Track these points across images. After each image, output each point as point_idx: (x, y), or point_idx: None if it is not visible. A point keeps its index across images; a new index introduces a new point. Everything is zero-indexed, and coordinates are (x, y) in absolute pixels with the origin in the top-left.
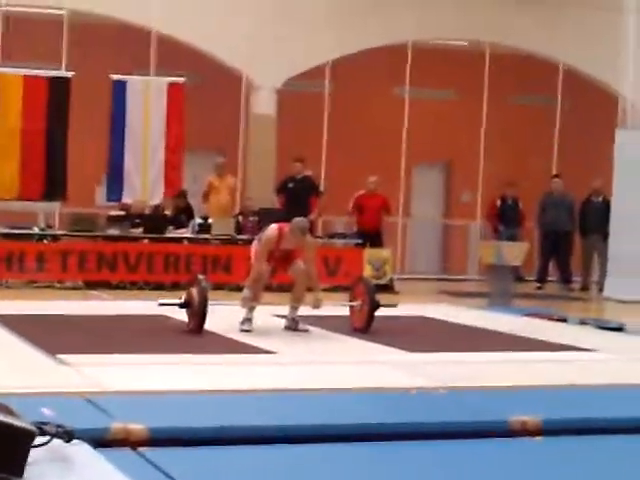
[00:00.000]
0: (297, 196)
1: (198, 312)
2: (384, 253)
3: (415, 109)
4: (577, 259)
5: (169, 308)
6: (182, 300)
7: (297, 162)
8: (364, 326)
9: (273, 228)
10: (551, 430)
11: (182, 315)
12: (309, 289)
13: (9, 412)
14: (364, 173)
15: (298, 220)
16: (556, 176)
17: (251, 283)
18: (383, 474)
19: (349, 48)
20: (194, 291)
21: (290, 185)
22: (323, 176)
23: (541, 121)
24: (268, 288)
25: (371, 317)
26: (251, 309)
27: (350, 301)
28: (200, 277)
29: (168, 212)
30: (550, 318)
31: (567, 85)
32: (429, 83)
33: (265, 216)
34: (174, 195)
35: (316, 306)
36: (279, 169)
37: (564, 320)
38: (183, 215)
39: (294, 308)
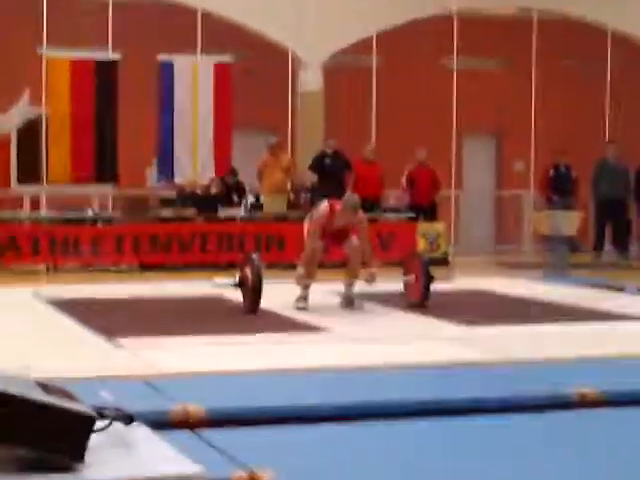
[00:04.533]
0: (333, 172)
1: (253, 291)
2: (438, 226)
3: (464, 79)
4: (633, 227)
5: (224, 288)
6: (236, 279)
7: (332, 138)
8: (420, 300)
9: (325, 206)
10: (610, 401)
11: (237, 295)
12: (364, 264)
13: (68, 397)
14: (415, 146)
15: (350, 196)
16: (610, 142)
17: (305, 261)
18: (445, 450)
19: (395, 19)
20: (248, 270)
21: (327, 161)
22: (374, 151)
23: (592, 87)
24: (322, 265)
25: (427, 291)
26: (306, 287)
27: (404, 275)
28: (253, 256)
29: (216, 191)
30: (607, 287)
31: (617, 50)
32: (477, 52)
33: (317, 192)
34: (224, 173)
35: (370, 281)
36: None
37: (622, 289)
38: (235, 194)
39: (349, 285)
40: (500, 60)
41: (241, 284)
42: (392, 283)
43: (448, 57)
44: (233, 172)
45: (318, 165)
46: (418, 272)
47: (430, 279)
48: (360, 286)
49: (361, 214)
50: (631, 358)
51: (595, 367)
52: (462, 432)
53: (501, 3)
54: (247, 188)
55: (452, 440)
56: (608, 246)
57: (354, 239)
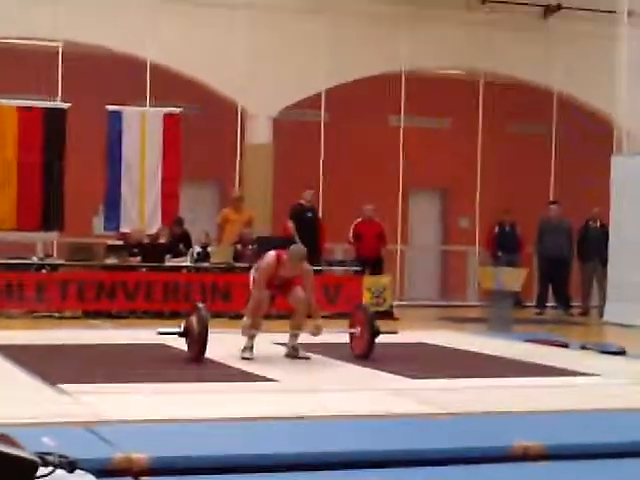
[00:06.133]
0: (312, 225)
1: (198, 340)
2: (383, 280)
3: (411, 137)
4: (576, 284)
5: (169, 337)
6: (181, 329)
7: (310, 190)
8: (365, 353)
9: (271, 255)
10: (553, 455)
11: (182, 344)
12: (309, 316)
13: (11, 443)
14: (361, 201)
15: (296, 247)
16: (553, 202)
17: (250, 311)
18: None
19: (344, 77)
20: (193, 319)
21: (309, 214)
22: (321, 204)
23: (537, 148)
24: (268, 316)
25: (372, 344)
26: (252, 337)
27: (350, 328)
28: (199, 305)
29: (164, 240)
30: (551, 343)
31: (562, 113)
32: (424, 112)
33: (264, 244)
34: (171, 223)
35: (316, 333)
36: (276, 197)
37: (565, 345)
38: (181, 243)
39: (294, 336)
40: (447, 120)
41: (186, 333)
42: (338, 335)
43: (396, 115)
44: (179, 222)
45: (299, 217)
46: (363, 325)
47: (375, 332)
48: (306, 337)
49: (307, 265)
50: (574, 412)
51: (538, 421)
52: None
53: (449, 64)
54: (193, 238)
55: None
56: (552, 303)
57: (299, 290)
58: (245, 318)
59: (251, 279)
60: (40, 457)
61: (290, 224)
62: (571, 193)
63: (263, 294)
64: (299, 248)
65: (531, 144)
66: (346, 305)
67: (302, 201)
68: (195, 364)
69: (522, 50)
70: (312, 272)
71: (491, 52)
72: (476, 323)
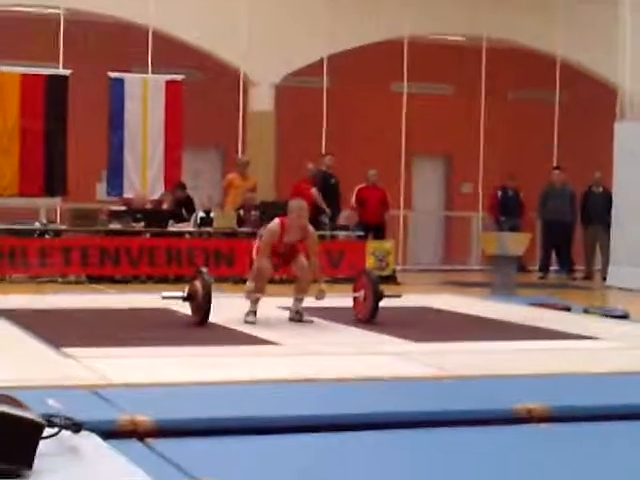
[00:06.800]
0: (336, 191)
1: (202, 304)
2: (387, 245)
3: (413, 104)
4: (579, 249)
5: (173, 301)
6: (185, 293)
7: (330, 155)
8: (368, 317)
9: (275, 222)
10: (556, 417)
11: (186, 308)
12: (314, 281)
13: (17, 405)
14: (364, 167)
15: (295, 201)
16: (557, 168)
17: (254, 277)
18: (388, 463)
19: (346, 44)
20: (197, 284)
21: (332, 181)
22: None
23: (540, 114)
24: (272, 281)
25: (375, 308)
26: (255, 301)
27: (353, 292)
28: (203, 269)
29: (167, 206)
30: (554, 307)
31: (565, 78)
32: (427, 78)
33: (266, 210)
34: (173, 188)
35: (320, 297)
36: (278, 164)
37: (568, 309)
38: (184, 208)
39: (298, 300)
40: (449, 86)
41: (190, 297)
42: (341, 299)
43: (398, 82)
44: (182, 186)
45: (323, 183)
46: (367, 289)
47: (379, 296)
48: (310, 301)
49: (310, 229)
50: (576, 375)
51: (541, 384)
52: (403, 446)
53: (451, 30)
54: (196, 203)
55: (391, 454)
56: (555, 267)
57: (302, 258)
58: (248, 283)
59: (255, 247)
60: (46, 418)
61: (314, 191)
62: (574, 159)
63: (266, 264)
64: (299, 202)
65: (534, 110)
66: (350, 270)
67: (323, 167)
68: (199, 328)
69: (525, 15)
70: (316, 235)
71: (494, 18)
72: (479, 287)
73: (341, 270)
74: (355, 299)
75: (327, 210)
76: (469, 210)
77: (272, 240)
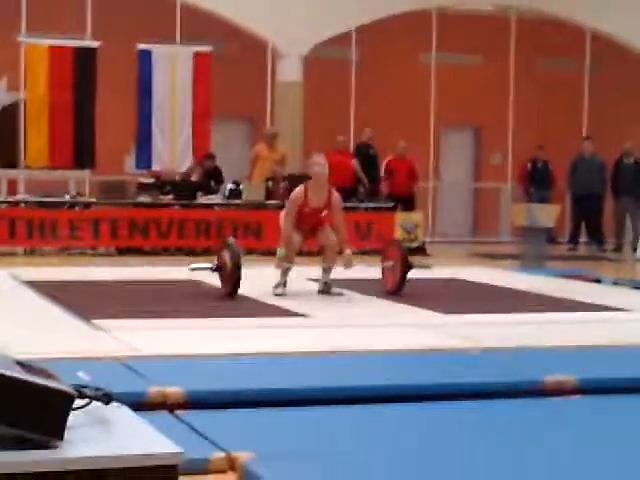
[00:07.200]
0: (375, 163)
1: (231, 275)
2: (415, 216)
3: (442, 75)
4: (608, 221)
5: (202, 273)
6: (214, 264)
7: (369, 128)
8: (397, 287)
9: (299, 188)
10: (586, 389)
11: (215, 280)
12: (339, 252)
13: (48, 375)
14: (393, 138)
15: (315, 159)
16: (587, 138)
17: (283, 243)
18: (418, 434)
19: (374, 14)
20: (226, 255)
21: (371, 152)
22: (352, 143)
23: (570, 85)
24: (300, 253)
25: (404, 278)
26: (285, 272)
27: (382, 263)
28: (231, 240)
29: (196, 178)
30: (584, 279)
31: (595, 48)
32: (455, 48)
33: (294, 182)
34: (202, 158)
35: (347, 265)
36: (306, 136)
37: (598, 281)
38: (212, 180)
39: (326, 271)
40: (478, 56)
41: (219, 269)
42: (370, 270)
43: (427, 52)
44: (211, 156)
45: (364, 155)
46: (396, 259)
47: (408, 267)
48: (338, 273)
49: (335, 194)
50: (607, 347)
51: (571, 356)
52: (439, 417)
53: (479, 0)
54: (225, 175)
55: (421, 425)
56: (584, 239)
57: (328, 229)
58: (279, 250)
59: (281, 217)
60: (77, 389)
61: (354, 162)
62: (604, 129)
63: (295, 235)
64: (319, 158)
65: (564, 80)
66: (378, 242)
67: (364, 138)
68: (228, 300)
69: None
70: (341, 201)
71: None
72: (509, 259)
73: (370, 242)
74: (384, 269)
75: (365, 181)
76: (499, 181)
77: (297, 204)
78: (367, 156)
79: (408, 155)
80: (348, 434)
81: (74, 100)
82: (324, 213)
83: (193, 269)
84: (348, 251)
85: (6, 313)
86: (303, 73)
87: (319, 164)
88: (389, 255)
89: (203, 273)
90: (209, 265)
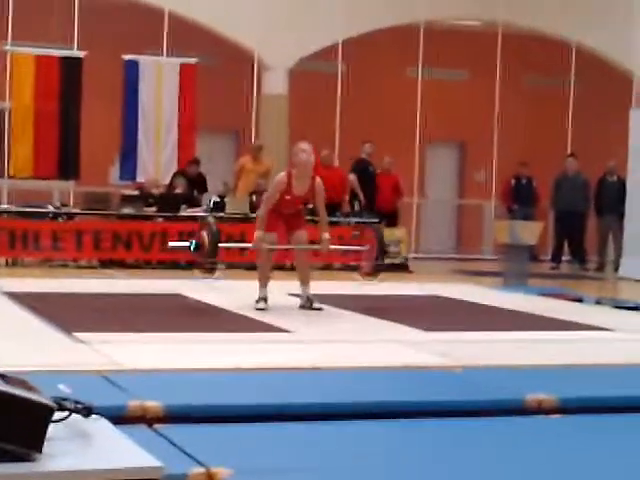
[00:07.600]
0: (374, 179)
1: (210, 251)
2: (399, 232)
3: (428, 89)
4: (591, 239)
5: (185, 286)
6: (193, 242)
7: (370, 143)
8: (372, 271)
9: (283, 174)
10: (567, 409)
11: (198, 294)
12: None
13: (28, 387)
14: (378, 153)
15: (300, 145)
16: (570, 155)
17: (258, 225)
18: (397, 451)
19: (361, 28)
20: (204, 233)
21: (371, 169)
22: (337, 156)
23: (555, 101)
24: (281, 268)
25: (378, 260)
26: (264, 284)
27: (358, 245)
28: (210, 219)
29: (180, 190)
30: (565, 297)
31: (580, 65)
32: (442, 63)
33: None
34: (187, 163)
35: (325, 248)
36: (291, 149)
37: (580, 300)
38: (196, 188)
39: (304, 283)
40: (464, 72)
41: (197, 247)
42: (351, 287)
43: (413, 67)
44: (195, 161)
45: (362, 171)
46: (372, 243)
47: (384, 251)
48: (318, 288)
49: (318, 179)
50: (588, 367)
51: (552, 375)
52: (420, 434)
53: (466, 15)
54: (210, 187)
55: (401, 442)
56: (567, 257)
57: (303, 232)
58: (257, 232)
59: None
60: (57, 402)
61: (352, 177)
62: (588, 146)
63: (267, 236)
64: (304, 145)
65: (549, 97)
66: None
67: (363, 155)
68: (210, 314)
69: (540, 1)
70: (323, 187)
71: (509, 3)
72: (491, 276)
73: (352, 256)
74: (359, 253)
75: (361, 197)
76: (483, 198)
77: (279, 190)
78: (366, 172)
79: (393, 170)
80: (329, 450)
81: (60, 110)
82: (310, 205)
83: (172, 248)
84: (326, 235)
85: None
86: (289, 86)
87: (305, 151)
88: (365, 239)
89: (186, 287)
90: (187, 244)
